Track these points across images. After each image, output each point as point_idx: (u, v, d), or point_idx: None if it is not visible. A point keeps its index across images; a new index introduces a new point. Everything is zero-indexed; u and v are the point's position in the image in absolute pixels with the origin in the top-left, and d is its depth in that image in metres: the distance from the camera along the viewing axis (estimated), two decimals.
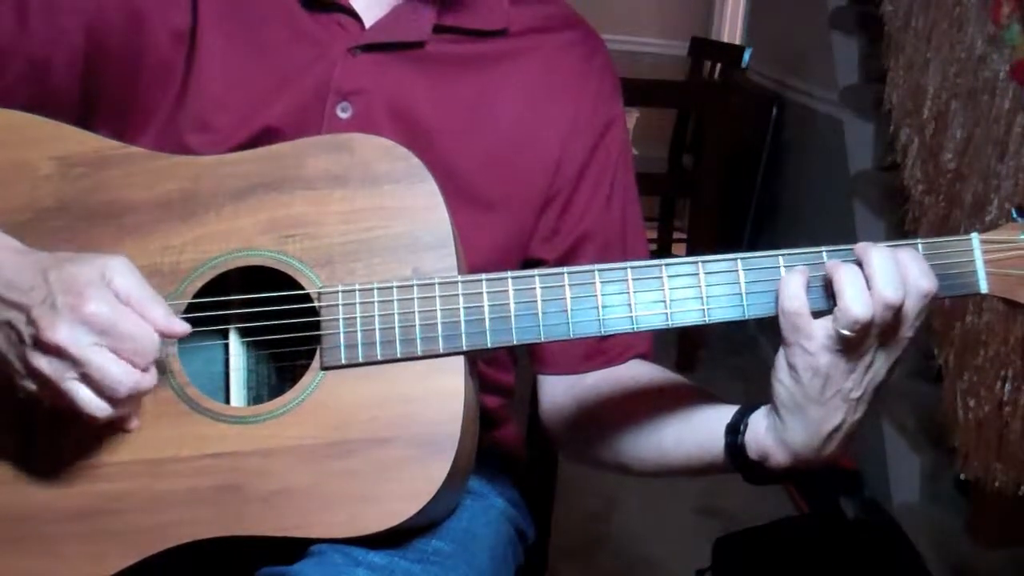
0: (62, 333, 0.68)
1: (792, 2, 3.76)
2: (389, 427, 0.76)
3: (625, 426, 0.88)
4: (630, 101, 1.07)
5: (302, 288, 0.78)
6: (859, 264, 0.72)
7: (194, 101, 0.86)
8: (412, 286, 0.77)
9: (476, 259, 0.84)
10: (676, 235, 3.88)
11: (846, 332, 0.70)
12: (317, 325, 0.77)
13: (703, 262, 0.76)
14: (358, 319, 0.77)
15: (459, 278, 0.77)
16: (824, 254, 0.74)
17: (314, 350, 0.78)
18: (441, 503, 0.77)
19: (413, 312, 0.77)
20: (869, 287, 0.70)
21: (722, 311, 0.75)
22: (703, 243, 3.20)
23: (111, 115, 0.88)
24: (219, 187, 0.80)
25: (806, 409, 0.73)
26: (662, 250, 3.75)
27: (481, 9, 0.91)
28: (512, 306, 0.76)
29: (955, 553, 1.98)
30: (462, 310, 0.77)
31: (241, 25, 0.87)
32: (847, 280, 0.70)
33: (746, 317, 0.75)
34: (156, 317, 0.72)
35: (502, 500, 0.98)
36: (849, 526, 2.04)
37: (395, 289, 0.77)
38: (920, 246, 0.75)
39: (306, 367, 0.78)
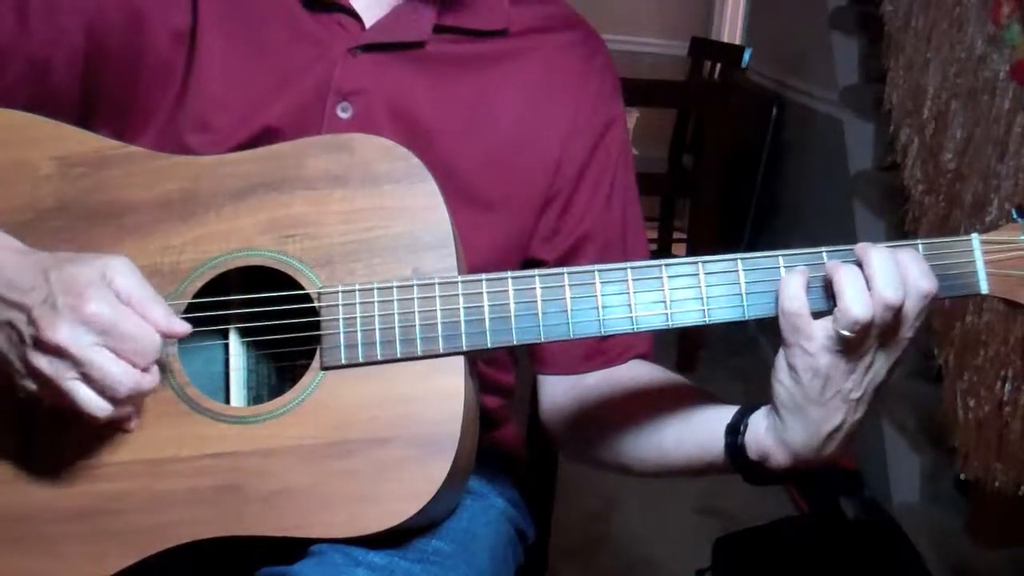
0: (63, 333, 0.68)
1: (792, 2, 3.77)
2: (389, 427, 0.76)
3: (625, 426, 0.88)
4: (630, 101, 1.07)
5: (302, 288, 0.78)
6: (859, 265, 0.72)
7: (194, 101, 0.86)
8: (412, 286, 0.77)
9: (476, 259, 0.84)
10: (676, 235, 3.89)
11: (846, 333, 0.70)
12: (317, 325, 0.77)
13: (703, 262, 0.76)
14: (358, 319, 0.77)
15: (459, 278, 0.77)
16: (824, 254, 0.74)
17: (314, 350, 0.78)
18: (441, 503, 0.77)
19: (413, 312, 0.77)
20: (869, 288, 0.70)
21: (722, 311, 0.75)
22: (703, 243, 3.20)
23: (111, 115, 0.88)
24: (219, 187, 0.80)
25: (806, 410, 0.73)
26: (662, 250, 3.75)
27: (481, 9, 0.91)
28: (512, 306, 0.76)
29: (955, 553, 1.98)
30: (462, 310, 0.77)
31: (241, 25, 0.87)
32: (847, 281, 0.70)
33: (746, 318, 0.75)
34: (157, 317, 0.72)
35: (502, 500, 0.98)
36: (849, 526, 2.04)
37: (395, 289, 0.77)
38: (920, 247, 0.75)
39: (306, 367, 0.78)
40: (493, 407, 0.99)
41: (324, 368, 0.77)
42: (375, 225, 0.79)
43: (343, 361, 0.77)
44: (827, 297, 0.73)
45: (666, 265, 0.76)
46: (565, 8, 0.99)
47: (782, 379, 0.74)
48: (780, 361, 0.74)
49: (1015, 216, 0.77)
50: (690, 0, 4.98)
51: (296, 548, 0.77)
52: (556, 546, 1.26)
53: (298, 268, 0.79)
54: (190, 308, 0.79)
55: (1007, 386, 1.75)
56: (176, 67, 0.86)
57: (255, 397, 0.84)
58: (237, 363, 0.83)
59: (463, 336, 0.76)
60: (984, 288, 0.76)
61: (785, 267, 0.74)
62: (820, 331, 0.71)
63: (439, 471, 0.75)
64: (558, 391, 0.97)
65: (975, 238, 0.76)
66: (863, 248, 0.72)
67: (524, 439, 1.11)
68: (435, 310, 0.77)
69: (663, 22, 4.90)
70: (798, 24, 3.59)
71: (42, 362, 0.69)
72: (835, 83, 3.05)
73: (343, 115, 0.87)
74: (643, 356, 0.97)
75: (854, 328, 0.70)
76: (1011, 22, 1.74)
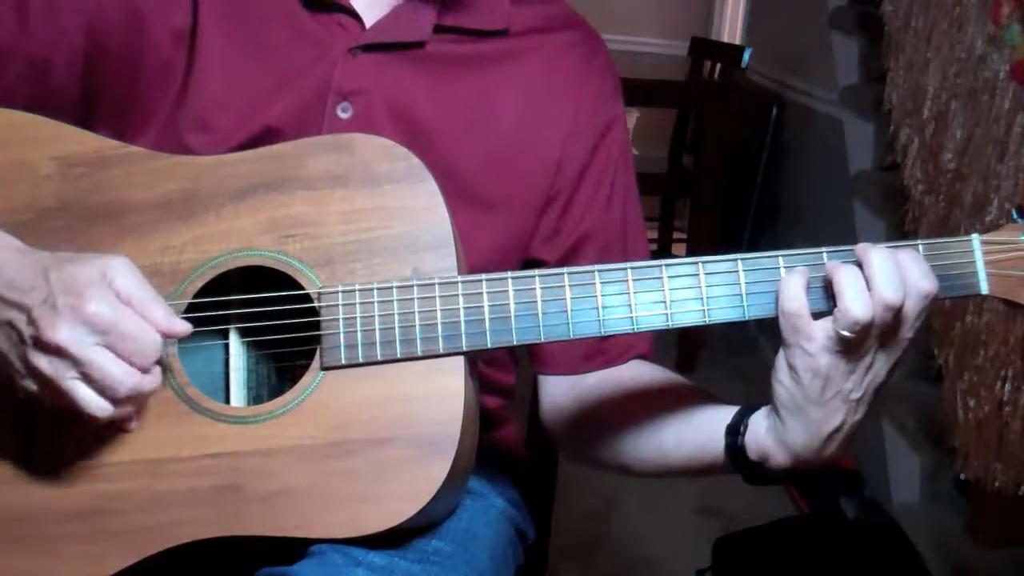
0: (63, 333, 0.68)
1: (792, 2, 3.76)
2: (389, 427, 0.76)
3: (625, 427, 0.88)
4: (630, 101, 1.07)
5: (302, 288, 0.78)
6: (859, 265, 0.72)
7: (194, 101, 0.86)
8: (412, 286, 0.77)
9: (476, 259, 0.84)
10: (676, 235, 3.89)
11: (846, 333, 0.70)
12: (317, 325, 0.77)
13: (703, 262, 0.76)
14: (358, 319, 0.77)
15: (459, 278, 0.77)
16: (824, 255, 0.74)
17: (314, 350, 0.78)
18: (441, 503, 0.77)
19: (413, 312, 0.77)
20: (869, 288, 0.70)
21: (722, 312, 0.75)
22: (703, 243, 3.20)
23: (111, 115, 0.88)
24: (219, 187, 0.80)
25: (806, 410, 0.73)
26: (662, 250, 3.75)
27: (482, 9, 0.91)
28: (512, 306, 0.76)
29: (955, 553, 1.98)
30: (462, 310, 0.77)
31: (241, 25, 0.87)
32: (847, 281, 0.70)
33: (746, 318, 0.75)
34: (157, 317, 0.72)
35: (502, 500, 0.98)
36: (849, 526, 2.04)
37: (395, 289, 0.77)
38: (920, 247, 0.75)
39: (306, 367, 0.78)
40: (493, 407, 0.99)
41: (324, 368, 0.77)
42: (375, 225, 0.79)
43: (343, 361, 0.77)
44: (827, 297, 0.73)
45: (666, 265, 0.76)
46: (565, 8, 0.99)
47: (782, 379, 0.74)
48: (780, 361, 0.74)
49: (1015, 216, 0.77)
50: (690, 0, 4.99)
51: (296, 548, 0.77)
52: (556, 546, 1.26)
53: (298, 268, 0.79)
54: (190, 308, 0.79)
55: (1007, 386, 1.75)
56: (176, 67, 0.86)
57: (255, 397, 0.84)
58: (237, 363, 0.83)
59: (463, 336, 0.76)
60: (984, 288, 0.76)
61: (785, 267, 0.74)
62: (820, 331, 0.71)
63: (439, 471, 0.75)
64: (558, 391, 0.97)
65: (975, 238, 0.76)
66: (863, 248, 0.72)
67: (524, 439, 1.11)
68: (435, 310, 0.77)
69: (663, 22, 4.90)
70: (798, 24, 3.59)
71: (42, 362, 0.70)
72: (835, 83, 3.05)
73: (343, 115, 0.87)
74: (643, 356, 0.97)
75: (854, 328, 0.70)
76: (1011, 22, 1.74)
